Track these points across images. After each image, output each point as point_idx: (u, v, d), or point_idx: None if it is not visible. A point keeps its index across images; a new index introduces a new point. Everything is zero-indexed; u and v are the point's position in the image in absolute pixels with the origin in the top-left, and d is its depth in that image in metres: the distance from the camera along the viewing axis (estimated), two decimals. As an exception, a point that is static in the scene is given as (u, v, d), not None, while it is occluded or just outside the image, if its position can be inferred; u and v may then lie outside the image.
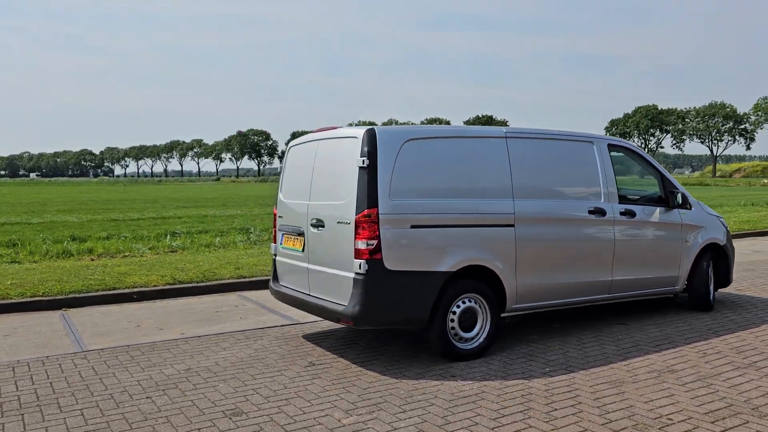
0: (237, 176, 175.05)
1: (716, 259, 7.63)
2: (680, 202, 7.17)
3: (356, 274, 5.23)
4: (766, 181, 72.11)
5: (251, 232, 16.25)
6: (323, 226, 5.71)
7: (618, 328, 6.72)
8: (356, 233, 5.23)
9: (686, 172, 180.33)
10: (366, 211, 5.19)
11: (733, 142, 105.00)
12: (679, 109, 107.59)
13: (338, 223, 5.48)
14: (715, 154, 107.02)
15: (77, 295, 8.36)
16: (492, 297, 5.74)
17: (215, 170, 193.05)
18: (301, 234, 6.10)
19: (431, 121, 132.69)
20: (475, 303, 5.66)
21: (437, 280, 5.40)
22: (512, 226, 5.85)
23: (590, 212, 6.42)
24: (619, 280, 6.67)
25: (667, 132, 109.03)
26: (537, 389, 4.82)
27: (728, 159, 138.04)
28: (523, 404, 4.49)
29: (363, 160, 5.24)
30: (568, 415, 4.28)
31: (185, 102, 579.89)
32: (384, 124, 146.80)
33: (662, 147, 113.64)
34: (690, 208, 7.33)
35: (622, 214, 6.65)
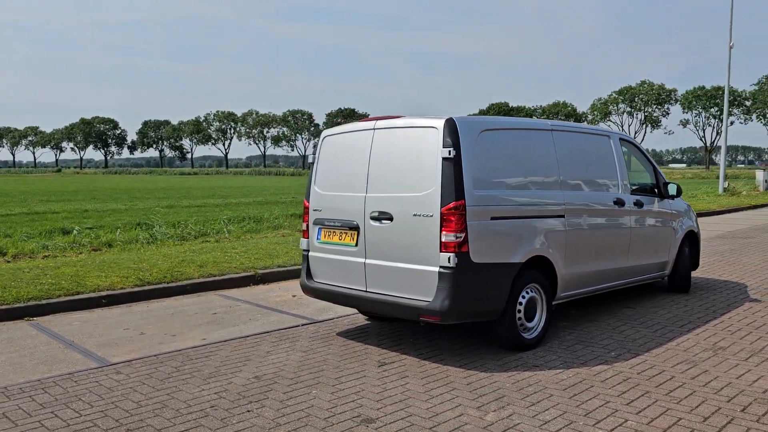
0: (81, 167, 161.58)
1: (690, 245, 8.38)
2: (671, 192, 7.77)
3: (443, 268, 5.09)
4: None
5: (154, 228, 15.05)
6: (390, 219, 5.48)
7: (629, 312, 7.15)
8: (442, 226, 5.08)
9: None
10: (454, 203, 5.06)
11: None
12: (527, 107, 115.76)
13: (415, 215, 5.29)
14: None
15: (39, 302, 7.29)
16: (548, 286, 5.86)
17: (54, 160, 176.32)
18: (353, 228, 5.81)
19: (294, 113, 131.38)
20: (536, 293, 5.75)
21: (512, 271, 5.42)
22: (563, 216, 6.01)
23: (614, 203, 6.76)
24: (632, 266, 7.10)
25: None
26: (629, 372, 5.00)
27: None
28: (636, 387, 4.63)
29: (449, 151, 5.09)
30: (687, 395, 4.49)
31: (15, 85, 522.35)
32: (244, 115, 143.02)
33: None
34: (674, 199, 7.97)
35: (634, 204, 7.08)
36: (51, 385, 4.81)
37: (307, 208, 6.33)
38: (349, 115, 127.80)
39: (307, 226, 6.31)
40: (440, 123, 5.21)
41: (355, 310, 7.21)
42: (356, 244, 5.76)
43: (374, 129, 5.75)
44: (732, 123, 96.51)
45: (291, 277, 9.42)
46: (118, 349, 5.81)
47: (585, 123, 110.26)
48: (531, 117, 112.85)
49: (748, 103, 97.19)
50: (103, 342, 6.05)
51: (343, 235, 5.90)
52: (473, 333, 6.23)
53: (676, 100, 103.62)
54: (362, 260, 5.71)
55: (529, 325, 5.69)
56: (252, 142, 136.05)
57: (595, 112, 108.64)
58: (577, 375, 4.96)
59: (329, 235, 6.05)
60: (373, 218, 5.60)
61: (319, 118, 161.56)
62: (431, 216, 5.15)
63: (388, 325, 6.63)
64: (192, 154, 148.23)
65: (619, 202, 6.82)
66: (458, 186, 5.07)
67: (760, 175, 32.99)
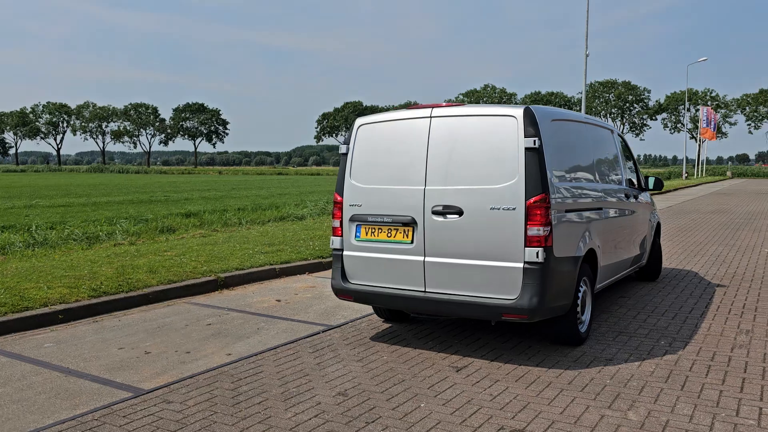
0: None
1: (655, 235, 8.87)
2: (650, 185, 8.15)
3: (528, 263, 4.84)
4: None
5: (33, 230, 13.19)
6: (459, 214, 5.11)
7: (626, 302, 7.38)
8: (528, 219, 4.83)
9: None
10: (540, 196, 4.82)
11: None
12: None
13: (492, 209, 4.97)
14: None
15: (-16, 322, 5.97)
16: (593, 279, 5.84)
17: None
18: (407, 224, 5.36)
19: (136, 107, 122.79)
20: (585, 286, 5.70)
21: (578, 265, 5.31)
22: (600, 209, 6.02)
23: (624, 195, 6.93)
24: (632, 257, 7.34)
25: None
26: (703, 359, 5.08)
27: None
28: (731, 374, 4.71)
29: (533, 141, 4.84)
30: (779, 378, 4.66)
31: None
32: (79, 107, 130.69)
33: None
34: (650, 192, 8.38)
35: (633, 197, 7.33)
36: (98, 424, 3.88)
37: (339, 203, 5.75)
38: (198, 110, 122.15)
39: (341, 222, 5.73)
40: (519, 112, 4.96)
41: (364, 312, 6.73)
42: (412, 241, 5.33)
43: (431, 117, 5.35)
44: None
45: (254, 280, 8.63)
46: (136, 373, 4.87)
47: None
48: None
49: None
50: (109, 366, 5.04)
51: (394, 232, 5.43)
52: (496, 330, 6.06)
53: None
54: (420, 258, 5.29)
55: (582, 318, 5.63)
56: (89, 137, 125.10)
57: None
58: (658, 366, 4.96)
59: (373, 232, 5.55)
60: (436, 212, 5.21)
61: (165, 113, 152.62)
62: (513, 209, 4.88)
63: (415, 325, 6.25)
64: (17, 150, 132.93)
65: (626, 194, 7.01)
66: (543, 177, 4.86)
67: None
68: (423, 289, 5.29)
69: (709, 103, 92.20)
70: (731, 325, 6.23)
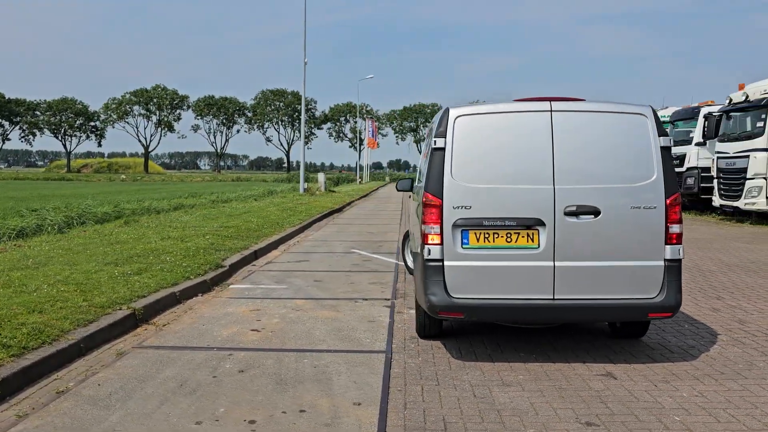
0: None
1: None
2: None
3: (669, 261, 4.82)
4: (124, 177, 77.44)
5: None
6: (595, 214, 4.81)
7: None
8: (668, 218, 4.82)
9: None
10: (677, 194, 4.87)
11: (86, 138, 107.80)
12: (29, 100, 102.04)
13: (633, 208, 4.81)
14: (68, 149, 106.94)
15: None
16: None
17: None
18: (531, 227, 4.82)
19: None
20: None
21: None
22: None
23: None
24: None
25: (17, 124, 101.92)
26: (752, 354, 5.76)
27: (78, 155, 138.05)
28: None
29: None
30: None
31: None
32: None
33: (9, 140, 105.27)
34: None
35: None
36: None
37: (437, 206, 4.87)
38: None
39: (441, 228, 4.87)
40: (648, 110, 4.94)
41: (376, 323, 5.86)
42: (539, 246, 4.83)
43: (551, 111, 4.93)
44: (238, 131, 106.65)
45: (165, 309, 6.74)
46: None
47: (98, 123, 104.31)
48: (35, 111, 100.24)
49: (249, 114, 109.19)
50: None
51: (515, 236, 4.84)
52: (538, 332, 5.95)
53: (189, 106, 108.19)
54: (549, 263, 4.83)
55: None
56: None
57: (110, 113, 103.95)
58: (742, 357, 5.42)
59: (487, 238, 4.85)
60: (569, 213, 4.82)
61: None
62: (654, 208, 4.83)
63: (459, 337, 5.66)
64: None
65: None
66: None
67: (321, 177, 38.08)
68: (551, 297, 4.86)
69: (365, 116, 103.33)
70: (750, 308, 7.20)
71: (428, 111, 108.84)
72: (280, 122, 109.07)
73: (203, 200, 24.72)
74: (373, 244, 12.72)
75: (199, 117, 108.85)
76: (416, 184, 7.49)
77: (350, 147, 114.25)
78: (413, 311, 6.81)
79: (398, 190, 8.81)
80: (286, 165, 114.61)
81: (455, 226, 4.87)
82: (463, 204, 4.86)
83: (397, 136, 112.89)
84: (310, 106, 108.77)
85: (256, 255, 10.95)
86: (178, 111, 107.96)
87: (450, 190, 4.87)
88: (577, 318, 5.01)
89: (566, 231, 4.82)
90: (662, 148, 4.88)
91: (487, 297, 4.86)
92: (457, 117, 4.97)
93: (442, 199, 4.87)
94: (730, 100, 17.66)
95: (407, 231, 9.50)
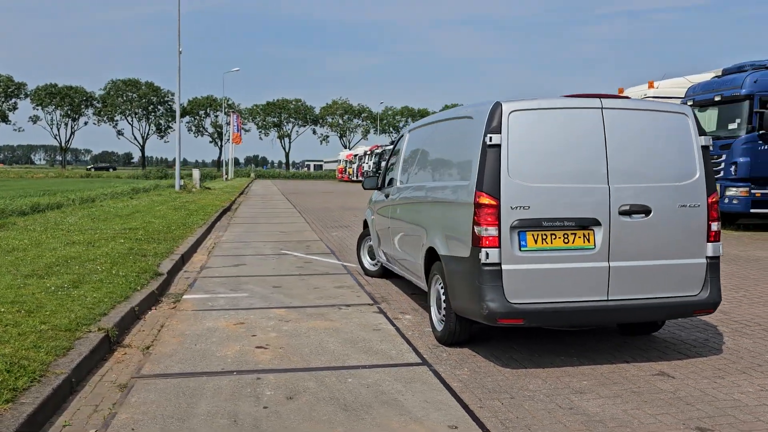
0: None
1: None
2: None
3: (711, 258, 4.90)
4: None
5: None
6: (646, 213, 4.74)
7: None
8: (709, 215, 4.89)
9: None
10: (716, 192, 4.95)
11: None
12: None
13: (681, 206, 4.81)
14: None
15: None
16: None
17: None
18: (586, 227, 4.65)
19: None
20: None
21: None
22: None
23: None
24: None
25: None
26: None
27: None
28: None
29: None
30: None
31: None
32: None
33: None
34: None
35: None
36: None
37: (494, 206, 4.55)
38: None
39: (498, 230, 4.56)
40: (689, 110, 4.97)
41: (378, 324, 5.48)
42: (594, 246, 4.69)
43: (602, 108, 4.79)
44: (86, 123, 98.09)
45: (131, 325, 5.83)
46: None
47: None
48: None
49: (99, 105, 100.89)
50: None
51: (572, 237, 4.66)
52: (559, 333, 5.89)
53: (27, 95, 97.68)
54: (604, 264, 4.70)
55: None
56: None
57: None
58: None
59: (545, 239, 4.62)
60: (623, 212, 4.72)
61: None
62: (698, 206, 4.87)
63: (493, 342, 5.42)
64: None
65: None
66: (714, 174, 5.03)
67: (196, 174, 36.01)
68: (605, 298, 4.74)
69: (228, 110, 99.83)
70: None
71: (291, 107, 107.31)
72: (133, 115, 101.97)
73: (64, 199, 22.15)
74: (298, 245, 12.11)
75: (38, 107, 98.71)
76: (397, 185, 7.11)
77: (211, 142, 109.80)
78: (409, 316, 6.47)
79: (365, 188, 8.40)
80: (135, 160, 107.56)
81: (513, 227, 4.60)
82: (522, 204, 4.60)
83: (260, 132, 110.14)
84: (167, 99, 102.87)
85: (184, 260, 9.97)
86: (13, 100, 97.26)
87: (508, 190, 4.59)
88: (628, 318, 4.96)
89: (620, 230, 4.74)
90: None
91: (546, 301, 4.65)
92: (511, 112, 4.69)
93: (499, 200, 4.58)
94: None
95: (362, 233, 9.08)
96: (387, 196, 7.47)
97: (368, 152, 57.51)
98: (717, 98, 14.99)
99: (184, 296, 7.37)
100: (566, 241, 4.66)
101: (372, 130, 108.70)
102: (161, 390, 4.27)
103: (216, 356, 5.04)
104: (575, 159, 4.73)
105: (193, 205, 20.15)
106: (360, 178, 58.06)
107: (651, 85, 18.50)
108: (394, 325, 6.11)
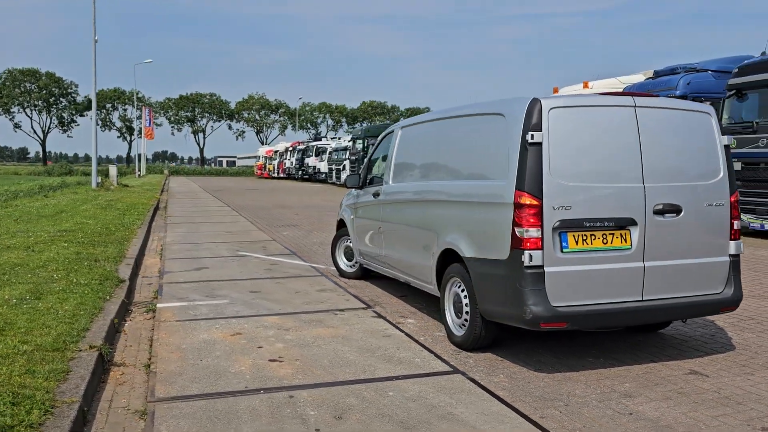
0: None
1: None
2: None
3: (733, 256, 4.95)
4: None
5: None
6: (677, 212, 4.72)
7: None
8: (732, 214, 4.94)
9: None
10: (737, 191, 5.00)
11: None
12: None
13: (708, 205, 4.82)
14: None
15: None
16: None
17: None
18: (622, 227, 4.57)
19: None
20: None
21: None
22: None
23: None
24: None
25: None
26: None
27: None
28: None
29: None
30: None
31: None
32: None
33: None
34: None
35: None
36: None
37: (537, 206, 4.37)
38: None
39: (541, 230, 4.38)
40: (711, 109, 4.99)
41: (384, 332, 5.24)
42: (630, 246, 4.62)
43: (635, 106, 4.72)
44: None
45: (113, 339, 5.27)
46: None
47: None
48: None
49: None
50: None
51: (610, 237, 4.56)
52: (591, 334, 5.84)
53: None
54: (640, 264, 4.64)
55: None
56: None
57: None
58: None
59: (585, 240, 4.50)
60: (657, 212, 4.68)
61: None
62: (722, 205, 4.91)
63: (517, 344, 5.27)
64: None
65: None
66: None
67: (113, 171, 34.03)
68: (640, 298, 4.68)
69: (137, 104, 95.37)
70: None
71: (206, 101, 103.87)
72: (32, 107, 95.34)
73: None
74: (253, 245, 11.58)
75: None
76: (390, 183, 6.83)
77: (119, 137, 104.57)
78: (412, 320, 6.24)
79: (347, 187, 8.11)
80: (32, 155, 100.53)
81: (556, 228, 4.45)
82: (564, 204, 4.46)
83: (173, 127, 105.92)
84: (70, 90, 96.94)
85: (138, 264, 9.26)
86: None
87: (550, 189, 4.43)
88: (660, 318, 4.94)
89: (655, 230, 4.70)
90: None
91: (586, 303, 4.54)
92: (551, 109, 4.53)
93: (541, 200, 4.42)
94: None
95: (336, 233, 8.72)
96: (375, 195, 7.17)
97: (290, 148, 56.49)
98: (653, 99, 15.64)
99: (158, 305, 6.78)
100: (605, 241, 4.57)
101: (290, 126, 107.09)
102: (189, 416, 3.81)
103: (230, 372, 4.60)
104: (611, 157, 4.64)
105: (121, 204, 18.98)
106: (282, 175, 57.02)
107: (585, 85, 19.05)
108: (401, 330, 5.85)
